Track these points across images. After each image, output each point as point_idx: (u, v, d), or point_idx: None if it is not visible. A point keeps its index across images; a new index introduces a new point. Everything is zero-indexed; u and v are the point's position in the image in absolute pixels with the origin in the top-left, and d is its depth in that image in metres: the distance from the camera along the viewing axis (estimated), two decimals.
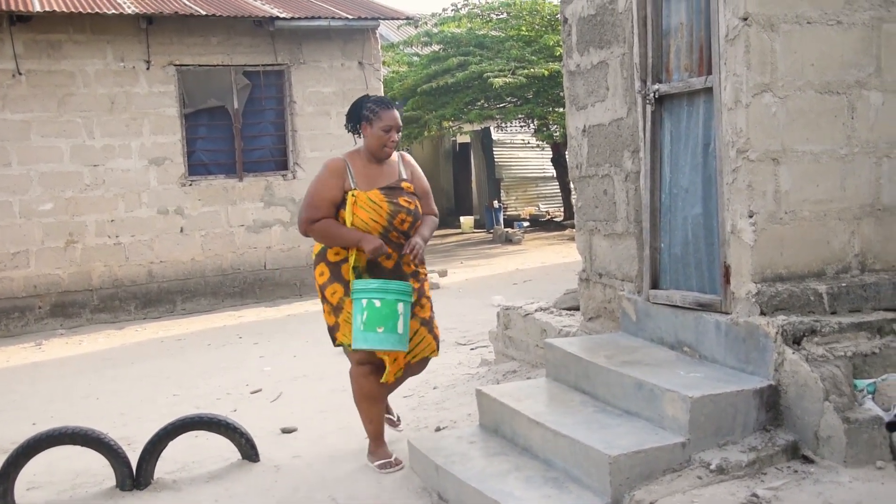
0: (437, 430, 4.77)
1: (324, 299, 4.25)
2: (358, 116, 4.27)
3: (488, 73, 15.39)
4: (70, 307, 10.39)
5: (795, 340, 3.36)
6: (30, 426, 5.58)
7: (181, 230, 10.92)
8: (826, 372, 3.23)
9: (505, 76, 15.27)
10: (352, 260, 4.12)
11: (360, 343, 4.03)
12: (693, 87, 3.90)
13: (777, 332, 3.36)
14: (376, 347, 4.04)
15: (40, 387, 7.08)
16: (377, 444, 4.29)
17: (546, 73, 15.48)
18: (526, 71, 15.46)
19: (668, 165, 4.17)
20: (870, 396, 3.24)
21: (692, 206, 3.98)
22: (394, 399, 5.71)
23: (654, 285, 4.25)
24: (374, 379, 4.21)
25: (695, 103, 3.94)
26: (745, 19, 3.47)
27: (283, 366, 7.21)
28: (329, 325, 4.28)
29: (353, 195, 4.13)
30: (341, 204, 4.14)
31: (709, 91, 3.78)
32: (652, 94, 4.16)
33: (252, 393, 6.32)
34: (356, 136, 4.39)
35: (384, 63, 15.92)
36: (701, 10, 3.87)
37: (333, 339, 4.30)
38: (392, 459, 4.22)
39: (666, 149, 4.17)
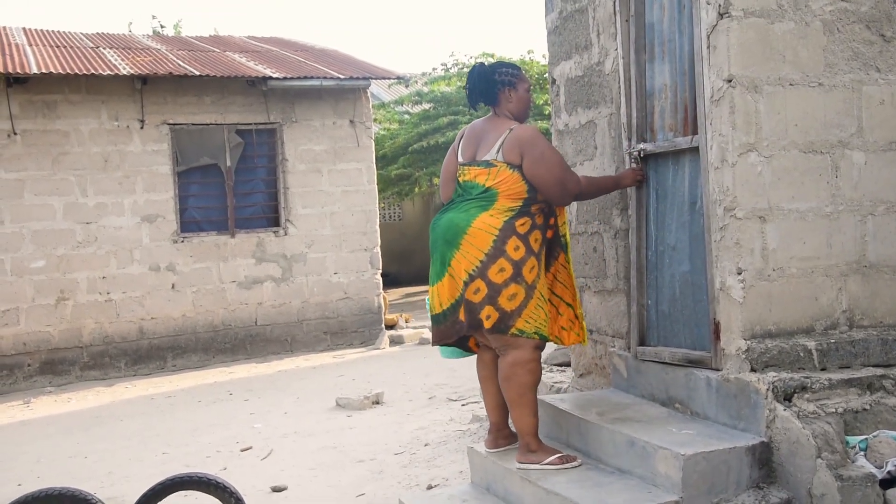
0: (429, 487, 4.74)
1: (515, 278, 3.75)
2: (494, 83, 3.96)
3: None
4: (60, 364, 10.32)
5: (786, 397, 3.37)
6: (15, 487, 5.51)
7: (172, 286, 10.91)
8: (818, 429, 3.24)
9: None
10: (565, 229, 4.02)
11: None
12: (679, 147, 3.98)
13: (768, 389, 3.38)
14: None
15: (27, 446, 7.00)
16: (539, 441, 3.85)
17: None
18: None
19: (653, 223, 4.23)
20: (862, 453, 3.25)
21: (679, 263, 4.03)
22: (384, 455, 5.68)
23: (642, 342, 4.27)
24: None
25: (680, 162, 4.02)
26: (730, 81, 3.56)
27: (273, 423, 7.16)
28: (506, 310, 3.74)
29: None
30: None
31: (695, 150, 3.85)
32: (637, 153, 4.24)
33: (242, 450, 6.27)
34: (486, 104, 4.04)
35: (375, 121, 16.12)
36: (685, 71, 3.97)
37: (505, 328, 3.76)
38: (565, 454, 3.84)
39: (652, 207, 4.23)
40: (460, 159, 4.01)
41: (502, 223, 3.78)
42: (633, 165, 4.25)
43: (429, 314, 4.10)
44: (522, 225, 3.81)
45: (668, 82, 4.11)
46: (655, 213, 4.20)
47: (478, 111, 4.22)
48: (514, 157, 3.81)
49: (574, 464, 3.75)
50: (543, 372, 5.58)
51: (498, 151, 3.85)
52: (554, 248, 4.03)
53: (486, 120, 4.04)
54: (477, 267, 3.76)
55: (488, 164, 3.85)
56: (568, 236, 4.08)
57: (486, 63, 4.06)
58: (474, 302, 3.77)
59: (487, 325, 3.76)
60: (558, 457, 3.76)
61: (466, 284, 3.78)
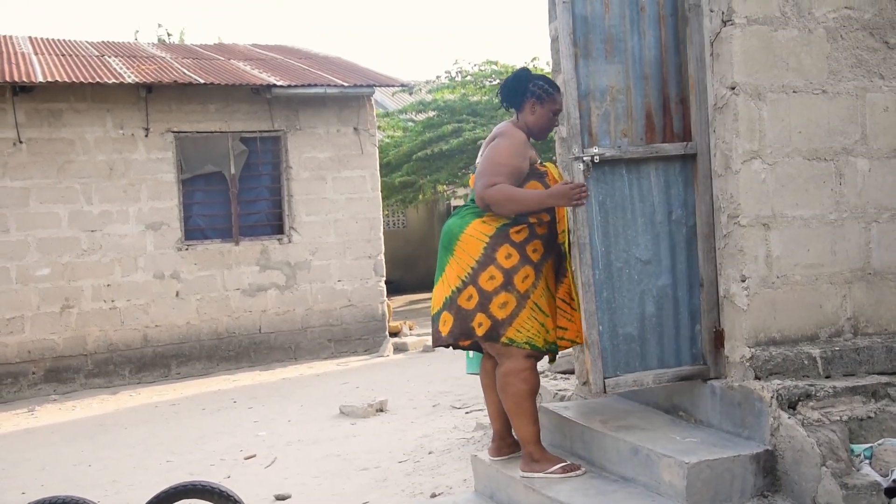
0: (433, 496, 4.73)
1: (506, 286, 3.70)
2: (525, 91, 3.89)
3: (481, 141, 15.58)
4: (64, 372, 10.33)
5: (791, 405, 3.36)
6: (19, 495, 5.51)
7: (177, 294, 10.92)
8: (822, 437, 3.23)
9: None
10: (564, 237, 3.86)
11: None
12: (666, 153, 3.77)
13: (772, 397, 3.37)
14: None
15: (32, 454, 7.00)
16: (541, 449, 3.80)
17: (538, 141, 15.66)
18: None
19: (599, 238, 3.81)
20: (867, 462, 3.23)
21: (656, 277, 3.80)
22: (388, 463, 5.67)
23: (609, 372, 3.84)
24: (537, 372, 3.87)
25: (643, 171, 3.78)
26: (733, 88, 3.57)
27: (277, 430, 7.16)
28: (498, 319, 3.70)
29: (544, 166, 3.89)
30: (527, 177, 3.79)
31: (665, 159, 3.77)
32: (590, 159, 3.76)
33: (246, 458, 6.26)
34: (510, 109, 4.00)
35: (379, 129, 16.13)
36: (646, 75, 3.80)
37: (497, 336, 3.72)
38: (569, 463, 3.80)
39: (595, 220, 3.80)
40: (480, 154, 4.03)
41: (494, 230, 3.76)
42: (580, 172, 3.75)
43: None
44: (518, 233, 3.77)
45: (617, 85, 3.80)
46: (602, 226, 3.80)
47: (508, 110, 4.12)
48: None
49: (578, 472, 3.73)
50: (547, 380, 5.57)
51: (482, 155, 3.90)
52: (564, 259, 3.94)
53: (502, 123, 4.02)
54: (468, 273, 3.76)
55: (475, 169, 3.90)
56: (567, 245, 3.90)
57: (530, 70, 4.03)
58: (467, 309, 3.76)
59: (480, 332, 3.74)
60: (561, 466, 3.74)
61: (459, 291, 3.77)
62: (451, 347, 4.01)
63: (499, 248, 3.74)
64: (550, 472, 3.72)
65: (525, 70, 3.99)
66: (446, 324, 3.81)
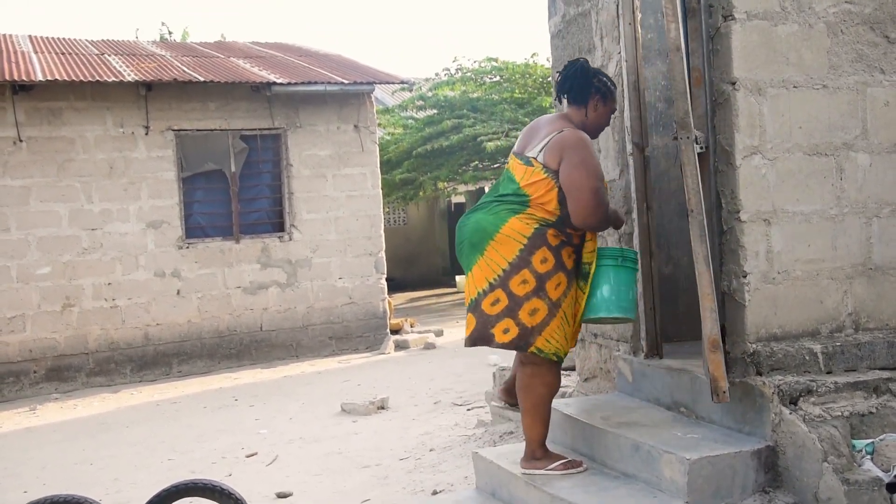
0: (434, 493, 4.72)
1: (538, 292, 3.57)
2: (591, 86, 3.78)
3: (482, 137, 15.58)
4: (65, 371, 10.33)
5: (792, 400, 3.36)
6: (21, 494, 5.52)
7: (178, 292, 10.92)
8: (824, 432, 3.23)
9: (498, 139, 15.44)
10: (592, 258, 3.72)
11: (606, 310, 3.66)
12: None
13: (774, 392, 3.36)
14: (621, 315, 3.70)
15: (33, 453, 7.00)
16: (545, 449, 3.75)
17: None
18: (518, 133, 15.63)
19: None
20: (868, 457, 3.23)
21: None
22: (389, 461, 5.67)
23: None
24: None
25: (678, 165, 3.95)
26: (734, 84, 3.55)
27: (278, 428, 7.16)
28: (527, 326, 3.58)
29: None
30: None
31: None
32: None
33: (247, 456, 6.27)
34: (568, 102, 3.88)
35: (380, 126, 16.12)
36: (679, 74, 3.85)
37: (526, 345, 3.60)
38: (570, 459, 3.76)
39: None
40: (515, 147, 3.86)
41: (532, 231, 3.59)
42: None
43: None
44: (555, 237, 3.62)
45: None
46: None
47: (560, 104, 4.03)
48: (553, 161, 3.61)
49: (579, 469, 3.72)
50: None
51: (541, 151, 3.66)
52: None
53: (552, 116, 3.88)
54: (498, 276, 3.59)
55: (528, 162, 3.68)
56: (593, 267, 3.74)
57: (589, 65, 3.88)
58: (490, 314, 3.60)
59: (504, 339, 3.58)
60: (562, 462, 3.72)
61: (485, 293, 3.61)
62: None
63: (536, 251, 3.58)
64: (551, 469, 3.70)
65: (586, 62, 3.87)
66: (468, 326, 3.68)
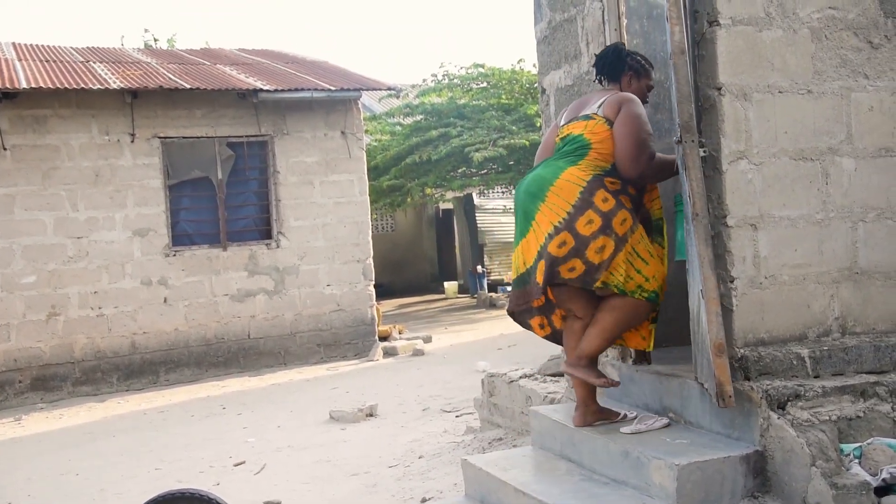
0: (423, 500, 4.71)
1: (605, 230, 3.66)
2: (623, 64, 3.96)
3: (469, 147, 15.58)
4: (51, 380, 10.26)
5: (780, 405, 3.36)
6: None
7: (165, 300, 10.87)
8: (812, 437, 3.23)
9: (485, 148, 15.45)
10: (658, 206, 3.90)
11: (679, 254, 3.87)
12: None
13: (762, 397, 3.36)
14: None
15: (19, 464, 6.94)
16: (595, 367, 3.89)
17: (527, 143, 15.68)
18: (506, 141, 15.64)
19: None
20: (856, 461, 3.23)
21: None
22: (378, 468, 5.65)
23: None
24: None
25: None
26: (719, 89, 3.56)
27: (267, 436, 7.12)
28: (594, 263, 3.67)
29: None
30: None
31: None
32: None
33: (235, 465, 6.23)
34: (606, 81, 4.01)
35: (367, 132, 16.11)
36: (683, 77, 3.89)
37: (591, 281, 3.70)
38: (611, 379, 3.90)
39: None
40: (561, 123, 3.98)
41: (591, 176, 3.71)
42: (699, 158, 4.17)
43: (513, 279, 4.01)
44: (612, 184, 3.72)
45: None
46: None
47: (600, 84, 4.11)
48: (613, 112, 3.77)
49: (611, 383, 3.83)
50: (537, 382, 5.57)
51: (599, 107, 3.82)
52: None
53: (594, 91, 4.01)
54: (564, 219, 3.67)
55: (587, 117, 3.83)
56: (663, 219, 3.93)
57: (624, 46, 4.08)
58: (558, 256, 3.67)
59: (570, 276, 3.67)
60: (605, 380, 3.82)
61: (551, 237, 3.68)
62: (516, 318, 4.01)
63: (596, 191, 3.69)
64: (591, 375, 3.81)
65: (620, 45, 4.06)
66: (541, 272, 3.72)
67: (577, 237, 3.66)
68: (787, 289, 3.62)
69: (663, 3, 3.81)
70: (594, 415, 3.93)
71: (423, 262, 23.36)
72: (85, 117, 10.53)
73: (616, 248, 3.68)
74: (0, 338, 10.05)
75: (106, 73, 11.18)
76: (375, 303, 12.20)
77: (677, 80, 3.44)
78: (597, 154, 3.76)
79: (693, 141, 3.42)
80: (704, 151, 3.51)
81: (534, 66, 16.40)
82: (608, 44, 4.35)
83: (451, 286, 20.95)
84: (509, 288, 19.68)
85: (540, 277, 3.72)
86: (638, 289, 3.74)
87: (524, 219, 3.81)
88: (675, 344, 4.44)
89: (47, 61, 11.85)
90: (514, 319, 4.06)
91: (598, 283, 3.69)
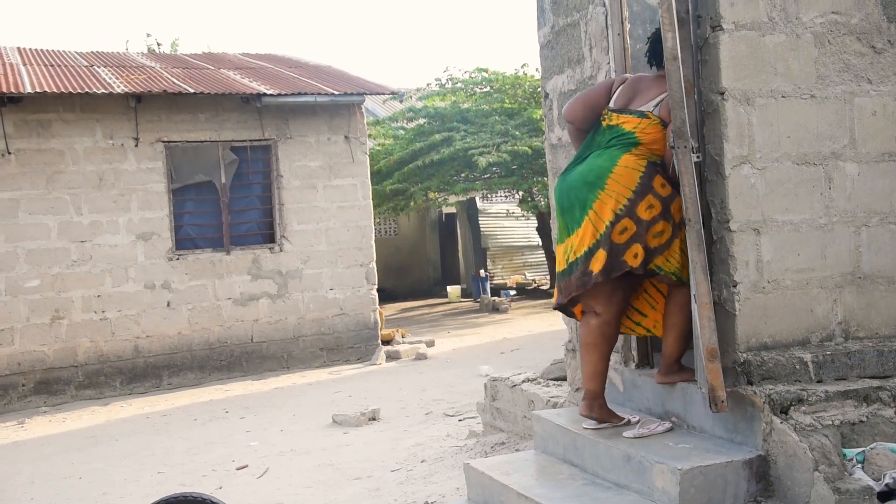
0: None
1: (664, 215, 3.69)
2: None
3: (472, 151, 15.57)
4: (54, 384, 10.27)
5: (783, 410, 3.35)
6: None
7: (168, 304, 10.89)
8: (815, 442, 3.23)
9: (489, 152, 15.44)
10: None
11: None
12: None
13: (764, 402, 3.36)
14: None
15: (21, 468, 6.95)
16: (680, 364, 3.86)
17: (529, 150, 15.66)
18: (510, 147, 15.63)
19: None
20: (859, 466, 3.23)
21: None
22: (381, 472, 5.65)
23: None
24: None
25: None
26: (722, 94, 3.56)
27: (269, 440, 7.12)
28: (651, 248, 3.68)
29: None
30: None
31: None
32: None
33: (238, 469, 6.23)
34: (658, 66, 3.95)
35: (370, 136, 16.12)
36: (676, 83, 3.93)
37: (647, 263, 3.69)
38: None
39: None
40: (611, 105, 3.92)
41: (647, 162, 3.73)
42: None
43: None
44: (664, 173, 3.75)
45: None
46: None
47: (651, 68, 4.10)
48: (668, 115, 3.70)
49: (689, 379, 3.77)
50: (540, 387, 5.56)
51: (656, 106, 3.79)
52: None
53: (652, 76, 3.98)
54: (625, 206, 3.67)
55: (641, 115, 3.80)
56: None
57: None
58: (619, 243, 3.66)
59: (635, 263, 3.65)
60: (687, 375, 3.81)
61: (613, 224, 3.67)
62: (563, 310, 3.99)
63: (654, 177, 3.71)
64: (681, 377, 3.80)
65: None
66: (599, 261, 3.70)
67: (638, 223, 3.68)
68: (790, 293, 3.62)
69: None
70: (601, 409, 3.91)
71: (426, 266, 23.37)
72: (89, 121, 10.55)
73: (673, 234, 3.70)
74: (4, 341, 10.06)
75: (110, 78, 11.21)
76: (378, 307, 12.21)
77: (670, 86, 3.45)
78: (647, 149, 3.77)
79: (686, 146, 3.43)
80: (697, 157, 3.51)
81: (537, 70, 16.44)
82: (611, 49, 4.36)
83: (454, 290, 20.95)
84: (512, 292, 19.80)
85: (595, 266, 3.68)
86: (680, 271, 3.73)
87: (580, 208, 3.77)
88: None
89: (52, 66, 11.89)
90: (563, 312, 4.04)
91: (651, 266, 3.70)
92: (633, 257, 3.68)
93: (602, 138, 3.87)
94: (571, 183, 3.85)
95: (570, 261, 3.80)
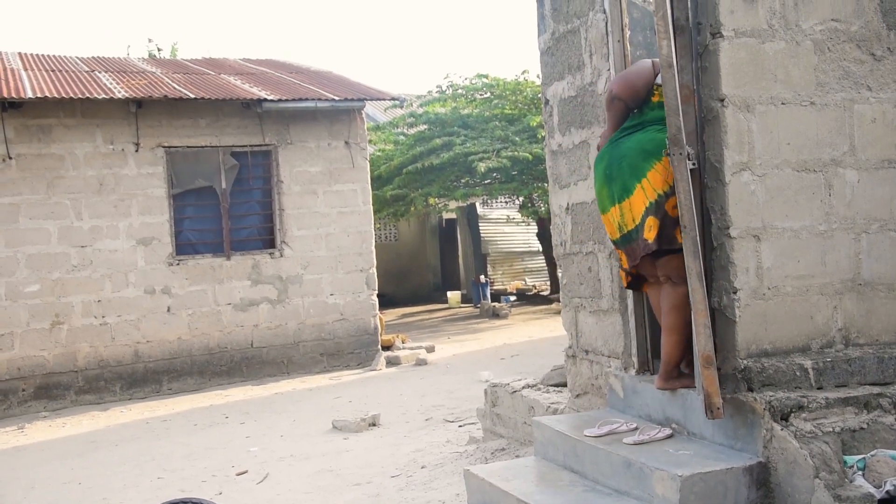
0: None
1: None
2: None
3: (472, 156, 15.58)
4: (54, 389, 10.26)
5: (783, 416, 3.35)
6: None
7: (168, 309, 10.88)
8: (815, 448, 3.22)
9: (489, 158, 15.45)
10: None
11: None
12: None
13: (765, 409, 3.36)
14: None
15: (21, 473, 6.94)
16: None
17: (529, 157, 15.67)
18: (510, 153, 15.64)
19: None
20: (860, 473, 3.23)
21: None
22: (380, 478, 5.65)
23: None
24: None
25: None
26: (722, 100, 3.57)
27: (269, 446, 7.12)
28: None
29: None
30: None
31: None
32: None
33: (238, 475, 6.23)
34: None
35: (370, 142, 16.13)
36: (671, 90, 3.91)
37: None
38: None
39: None
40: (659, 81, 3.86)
41: None
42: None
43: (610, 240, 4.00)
44: None
45: None
46: None
47: None
48: None
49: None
50: (540, 393, 5.56)
51: None
52: None
53: None
54: None
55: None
56: None
57: None
58: (673, 217, 3.64)
59: (682, 238, 3.61)
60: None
61: (667, 196, 3.66)
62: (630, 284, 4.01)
63: None
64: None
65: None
66: (652, 229, 3.70)
67: None
68: (791, 300, 3.62)
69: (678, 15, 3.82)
70: (678, 378, 3.90)
71: (426, 271, 23.37)
72: (90, 126, 10.57)
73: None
74: (4, 346, 10.06)
75: (111, 83, 11.22)
76: (378, 312, 12.20)
77: (665, 94, 3.46)
78: None
79: (681, 153, 3.44)
80: (693, 164, 3.52)
81: (537, 76, 16.44)
82: (612, 55, 4.37)
83: (454, 296, 20.95)
84: (512, 298, 19.78)
85: (649, 234, 3.70)
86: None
87: (631, 174, 3.76)
88: None
89: (52, 71, 11.90)
90: (631, 286, 4.05)
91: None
92: (680, 234, 3.63)
93: (654, 114, 3.84)
94: (625, 151, 3.83)
95: (630, 228, 3.80)
